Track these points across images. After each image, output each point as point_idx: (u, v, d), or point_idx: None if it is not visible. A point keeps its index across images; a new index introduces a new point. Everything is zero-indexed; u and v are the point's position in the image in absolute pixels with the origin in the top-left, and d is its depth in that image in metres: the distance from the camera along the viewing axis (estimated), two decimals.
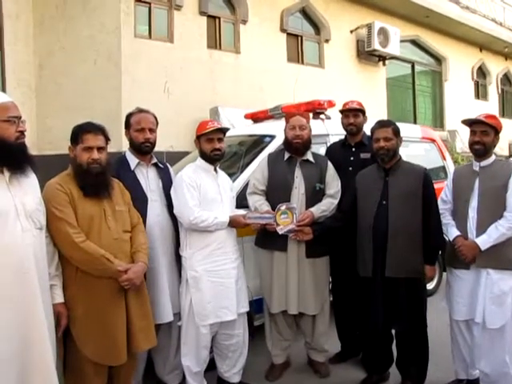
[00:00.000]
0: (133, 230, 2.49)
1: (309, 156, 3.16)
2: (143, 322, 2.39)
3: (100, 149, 2.35)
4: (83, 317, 2.22)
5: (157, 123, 2.86)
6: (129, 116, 2.82)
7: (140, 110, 2.82)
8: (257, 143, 4.08)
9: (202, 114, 6.88)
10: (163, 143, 6.57)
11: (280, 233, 2.90)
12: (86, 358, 2.23)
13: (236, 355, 2.98)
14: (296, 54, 8.61)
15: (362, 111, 3.38)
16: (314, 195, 3.07)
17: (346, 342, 3.49)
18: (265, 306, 3.23)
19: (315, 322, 3.18)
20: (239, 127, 5.68)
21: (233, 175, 3.66)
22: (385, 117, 9.91)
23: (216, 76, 7.32)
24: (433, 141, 5.35)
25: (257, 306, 3.37)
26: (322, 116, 4.41)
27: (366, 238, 2.82)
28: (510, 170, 2.69)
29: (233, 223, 2.81)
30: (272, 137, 3.91)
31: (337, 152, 3.41)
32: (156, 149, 2.85)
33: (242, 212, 2.97)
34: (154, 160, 2.85)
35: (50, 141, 6.54)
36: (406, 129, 5.24)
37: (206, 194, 2.77)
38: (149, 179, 2.78)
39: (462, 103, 11.69)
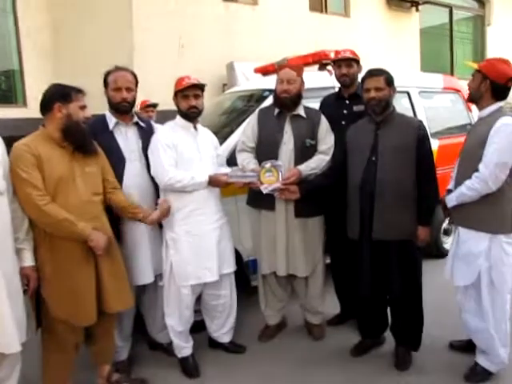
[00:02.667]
0: (113, 192, 2.48)
1: (300, 110, 2.96)
2: (115, 283, 2.37)
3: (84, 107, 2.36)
4: (52, 278, 2.22)
5: (136, 82, 2.73)
6: (106, 75, 2.70)
7: (118, 68, 2.70)
8: (256, 98, 3.90)
9: (219, 70, 6.69)
10: None
11: (264, 192, 2.76)
12: (56, 317, 2.25)
13: (224, 315, 2.95)
14: (319, 3, 8.09)
15: (356, 60, 3.12)
16: (304, 152, 2.90)
17: (345, 304, 3.38)
18: (258, 267, 3.15)
19: (308, 284, 3.08)
20: (250, 82, 5.48)
21: (229, 132, 3.53)
22: (418, 68, 9.30)
23: (233, 30, 7.03)
24: (457, 91, 4.93)
25: (253, 266, 3.31)
26: (328, 67, 4.15)
27: (353, 197, 2.64)
28: (493, 123, 2.41)
29: (213, 183, 2.69)
30: (271, 91, 3.69)
31: (330, 105, 3.19)
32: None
33: (225, 170, 2.85)
34: (135, 119, 2.75)
35: None
36: (425, 79, 4.90)
37: (183, 154, 2.66)
38: (128, 139, 2.69)
39: (507, 50, 10.74)
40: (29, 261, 2.19)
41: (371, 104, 2.57)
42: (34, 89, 6.44)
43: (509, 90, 2.56)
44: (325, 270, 3.14)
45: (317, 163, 2.88)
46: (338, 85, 3.79)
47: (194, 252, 2.68)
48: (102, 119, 2.69)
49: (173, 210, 2.64)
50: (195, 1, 6.67)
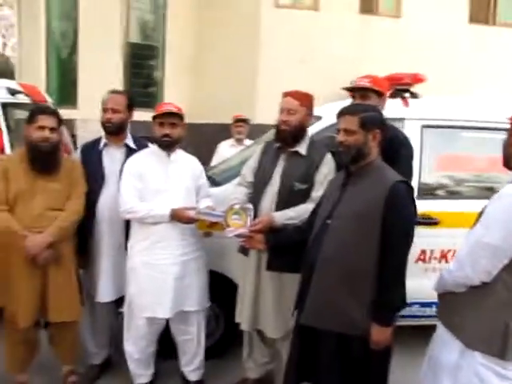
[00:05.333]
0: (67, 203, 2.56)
1: (300, 147, 2.58)
2: (60, 295, 2.49)
3: (52, 129, 2.50)
4: None
5: (130, 104, 2.79)
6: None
7: (112, 92, 2.80)
8: None
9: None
10: None
11: (228, 235, 2.50)
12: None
13: (191, 352, 2.82)
14: (484, 12, 6.81)
15: (377, 91, 2.54)
16: (291, 197, 2.52)
17: None
18: None
19: (280, 348, 2.67)
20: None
21: None
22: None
23: (366, 45, 6.51)
24: None
25: None
26: (406, 94, 3.49)
27: (303, 264, 2.15)
28: None
29: (176, 217, 2.55)
30: (318, 118, 3.30)
31: None
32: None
33: (206, 204, 2.68)
34: (126, 140, 2.80)
35: (199, 111, 7.11)
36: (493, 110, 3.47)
37: (150, 183, 2.59)
38: (114, 160, 2.76)
39: None
40: None
41: (340, 150, 2.06)
42: (172, 99, 7.17)
43: None
44: None
45: (299, 212, 2.46)
46: (409, 116, 3.27)
47: (151, 285, 2.60)
48: (98, 138, 2.83)
49: (134, 240, 2.64)
50: (328, 13, 6.41)
